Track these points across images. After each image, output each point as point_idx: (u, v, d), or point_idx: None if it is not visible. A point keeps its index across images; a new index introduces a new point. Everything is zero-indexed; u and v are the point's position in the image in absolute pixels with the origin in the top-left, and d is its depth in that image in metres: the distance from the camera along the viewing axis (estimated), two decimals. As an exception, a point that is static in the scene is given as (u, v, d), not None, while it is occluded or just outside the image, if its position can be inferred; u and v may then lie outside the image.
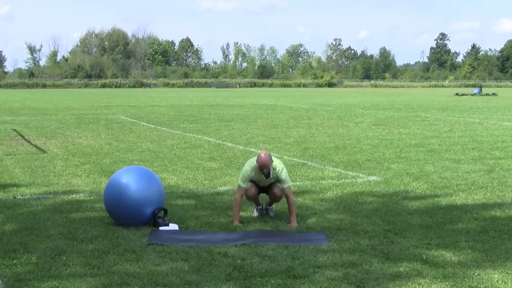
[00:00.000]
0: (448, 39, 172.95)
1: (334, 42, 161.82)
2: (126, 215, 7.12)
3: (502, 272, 5.54)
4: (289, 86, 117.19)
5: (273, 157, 7.45)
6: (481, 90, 70.09)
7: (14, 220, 7.49)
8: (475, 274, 5.47)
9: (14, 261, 5.82)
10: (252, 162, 7.47)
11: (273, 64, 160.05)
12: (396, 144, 15.99)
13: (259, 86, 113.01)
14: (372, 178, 10.62)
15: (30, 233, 6.84)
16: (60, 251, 6.15)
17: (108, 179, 7.63)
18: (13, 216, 7.71)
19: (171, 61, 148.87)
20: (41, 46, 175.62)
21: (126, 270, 5.54)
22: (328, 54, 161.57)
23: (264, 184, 7.58)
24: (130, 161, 12.69)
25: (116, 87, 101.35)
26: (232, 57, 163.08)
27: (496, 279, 5.32)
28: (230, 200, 8.72)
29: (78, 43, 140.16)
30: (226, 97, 55.65)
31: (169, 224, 7.22)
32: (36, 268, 5.61)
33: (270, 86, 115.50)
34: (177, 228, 7.12)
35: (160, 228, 7.10)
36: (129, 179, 7.22)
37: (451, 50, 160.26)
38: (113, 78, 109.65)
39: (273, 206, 7.84)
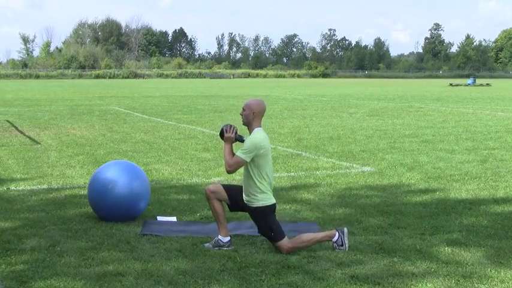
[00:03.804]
0: (442, 29, 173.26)
1: (329, 33, 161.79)
2: (115, 214, 6.95)
3: (495, 261, 5.57)
4: (284, 76, 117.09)
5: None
6: (474, 80, 70.33)
7: (8, 211, 7.48)
8: (469, 263, 5.49)
9: (8, 252, 5.81)
10: (260, 131, 5.95)
11: (267, 54, 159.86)
12: (390, 134, 16.02)
13: (254, 77, 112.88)
14: (366, 169, 10.64)
15: (25, 224, 6.83)
16: (54, 242, 6.14)
17: (89, 182, 7.32)
18: (7, 207, 7.69)
19: (164, 52, 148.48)
20: (34, 37, 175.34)
21: (120, 261, 5.54)
22: (323, 44, 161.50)
23: None
24: (124, 151, 12.67)
25: (109, 78, 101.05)
26: (226, 47, 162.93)
27: (489, 269, 5.34)
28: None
29: (72, 34, 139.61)
30: (221, 88, 55.56)
31: (168, 216, 7.23)
32: (30, 259, 5.60)
33: (265, 76, 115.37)
34: (175, 220, 7.12)
35: (158, 218, 7.10)
36: (111, 179, 6.93)
37: (445, 41, 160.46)
38: (107, 69, 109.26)
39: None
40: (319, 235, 6.02)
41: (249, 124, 5.95)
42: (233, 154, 5.95)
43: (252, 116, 5.91)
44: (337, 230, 5.98)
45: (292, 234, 6.39)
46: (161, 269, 5.33)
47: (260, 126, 5.98)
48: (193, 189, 8.84)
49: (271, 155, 6.08)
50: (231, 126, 6.01)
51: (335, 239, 5.92)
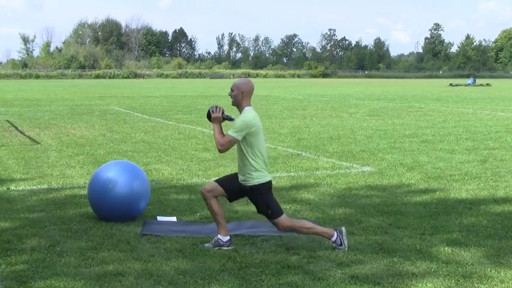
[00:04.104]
0: (442, 29, 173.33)
1: (329, 33, 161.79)
2: (115, 214, 6.94)
3: (495, 261, 5.57)
4: (284, 76, 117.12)
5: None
6: (474, 80, 70.36)
7: (8, 211, 7.48)
8: (469, 263, 5.49)
9: (8, 252, 5.81)
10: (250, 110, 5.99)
11: (267, 54, 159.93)
12: (390, 134, 16.02)
13: (254, 77, 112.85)
14: (366, 169, 10.64)
15: (25, 224, 6.83)
16: (54, 242, 6.14)
17: (89, 182, 7.31)
18: (7, 207, 7.69)
19: (164, 52, 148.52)
20: (34, 37, 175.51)
21: (120, 261, 5.54)
22: (323, 44, 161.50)
23: None
24: (124, 151, 12.67)
25: (109, 78, 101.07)
26: (226, 47, 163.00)
27: (489, 269, 5.34)
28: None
29: (72, 34, 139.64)
30: (220, 88, 55.55)
31: (168, 216, 7.23)
32: (30, 259, 5.60)
33: (265, 76, 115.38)
34: (175, 220, 7.11)
35: (158, 218, 7.10)
36: (111, 179, 6.93)
37: (445, 41, 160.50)
38: (107, 69, 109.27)
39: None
40: (319, 229, 6.04)
41: (239, 104, 5.98)
42: (223, 134, 5.96)
43: (241, 96, 5.94)
44: (335, 230, 5.99)
45: (292, 235, 6.40)
46: (161, 269, 5.33)
47: (250, 105, 6.00)
48: (193, 189, 8.84)
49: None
50: (217, 107, 6.06)
51: (334, 239, 5.93)
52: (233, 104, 6.05)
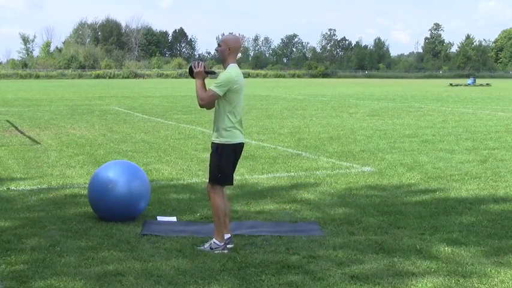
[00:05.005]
0: (442, 29, 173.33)
1: (329, 33, 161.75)
2: (115, 214, 6.94)
3: (495, 261, 5.57)
4: (284, 76, 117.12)
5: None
6: (474, 80, 70.38)
7: (8, 211, 7.48)
8: (468, 264, 5.49)
9: (8, 252, 5.81)
10: (234, 66, 5.92)
11: (267, 54, 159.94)
12: (390, 134, 16.02)
13: (254, 77, 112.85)
14: (366, 169, 10.64)
15: (25, 224, 6.83)
16: (54, 242, 6.14)
17: (89, 182, 7.32)
18: (7, 207, 7.69)
19: (164, 52, 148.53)
20: (34, 37, 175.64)
21: (120, 261, 5.54)
22: (323, 44, 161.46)
23: None
24: (124, 151, 12.67)
25: (109, 78, 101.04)
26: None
27: (489, 269, 5.34)
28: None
29: (72, 34, 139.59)
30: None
31: (168, 216, 7.23)
32: (30, 259, 5.60)
33: (264, 76, 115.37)
34: (175, 220, 7.12)
35: (158, 218, 7.10)
36: (112, 179, 6.93)
37: (445, 41, 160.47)
38: (107, 69, 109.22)
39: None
40: (221, 225, 5.92)
41: (224, 60, 5.93)
42: (205, 89, 5.93)
43: (227, 52, 5.89)
44: (230, 236, 6.00)
45: (291, 235, 6.40)
46: (161, 269, 5.33)
47: (235, 63, 5.96)
48: (193, 189, 8.84)
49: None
50: (199, 62, 6.02)
51: (226, 236, 5.92)
52: (219, 60, 6.01)
